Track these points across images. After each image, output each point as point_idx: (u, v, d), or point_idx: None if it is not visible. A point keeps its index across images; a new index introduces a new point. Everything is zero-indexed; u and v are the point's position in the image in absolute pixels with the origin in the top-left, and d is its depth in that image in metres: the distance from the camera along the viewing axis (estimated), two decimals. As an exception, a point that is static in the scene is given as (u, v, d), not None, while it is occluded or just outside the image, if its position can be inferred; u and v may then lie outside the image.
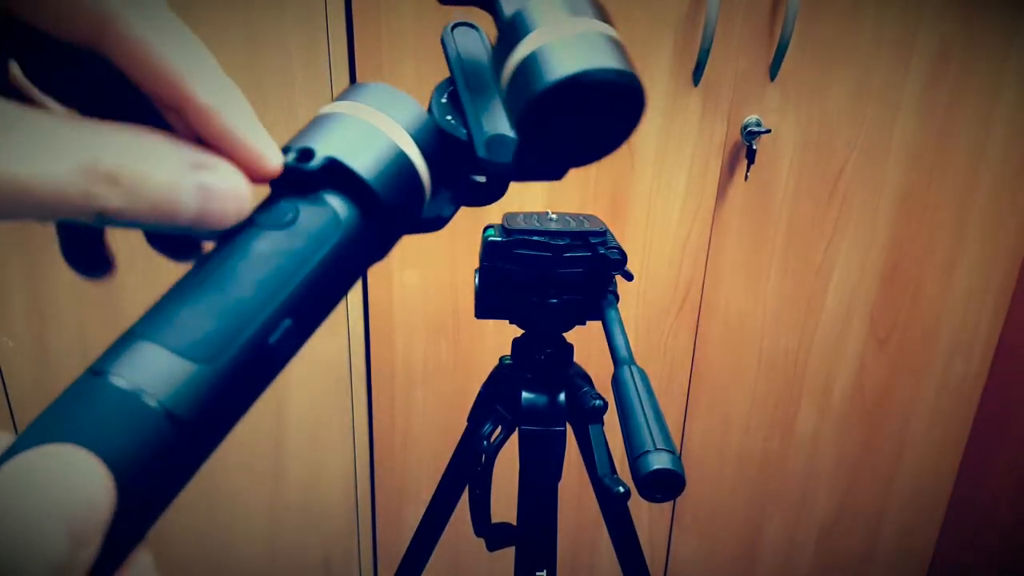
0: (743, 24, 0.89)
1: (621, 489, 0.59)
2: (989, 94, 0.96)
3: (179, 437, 0.16)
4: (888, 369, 1.09)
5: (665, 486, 0.51)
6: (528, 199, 0.94)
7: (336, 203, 0.21)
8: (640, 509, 1.14)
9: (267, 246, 0.20)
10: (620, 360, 0.59)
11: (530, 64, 0.22)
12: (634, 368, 0.59)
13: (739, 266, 1.01)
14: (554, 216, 0.59)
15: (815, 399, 1.10)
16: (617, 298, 0.68)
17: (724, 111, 0.93)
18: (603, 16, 0.22)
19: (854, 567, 1.23)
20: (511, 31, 0.23)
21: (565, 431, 0.59)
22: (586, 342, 0.67)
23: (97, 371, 0.16)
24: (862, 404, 1.11)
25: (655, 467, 0.51)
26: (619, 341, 0.62)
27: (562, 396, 0.59)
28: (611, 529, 0.65)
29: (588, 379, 0.61)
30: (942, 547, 1.22)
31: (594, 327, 0.64)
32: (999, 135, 0.98)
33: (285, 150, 0.22)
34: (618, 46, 0.22)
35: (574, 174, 0.92)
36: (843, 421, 1.12)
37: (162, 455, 0.16)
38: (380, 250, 0.23)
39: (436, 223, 0.25)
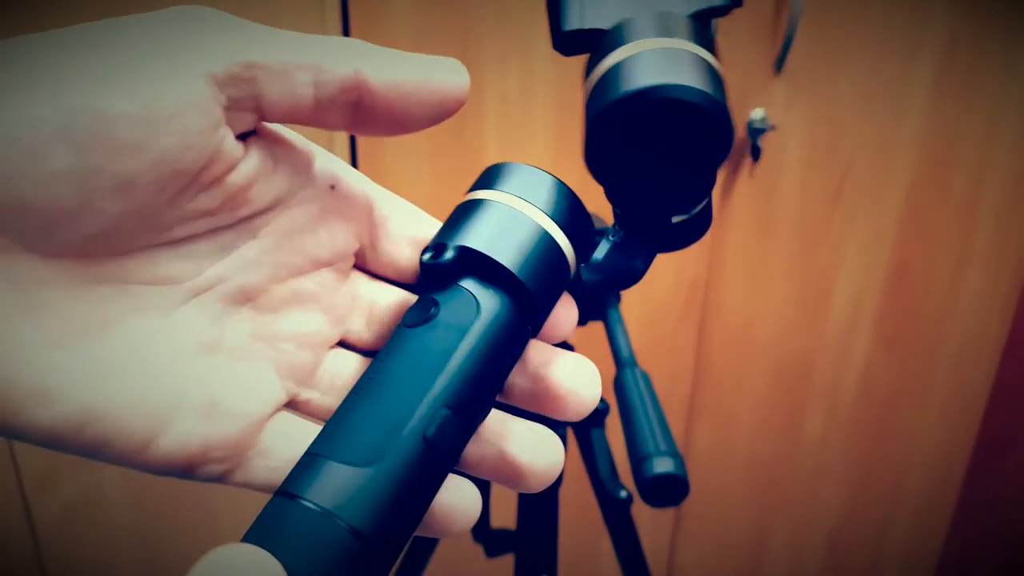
0: (747, 16, 0.88)
1: (623, 494, 0.58)
2: (998, 90, 0.95)
3: (362, 551, 0.18)
4: (896, 370, 1.08)
5: (669, 491, 0.50)
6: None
7: (476, 290, 0.22)
8: (643, 515, 1.13)
9: (412, 343, 0.21)
10: (622, 362, 0.58)
11: (607, 76, 0.21)
12: (636, 370, 0.58)
13: (743, 265, 1.00)
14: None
15: (822, 401, 1.09)
16: (619, 298, 0.67)
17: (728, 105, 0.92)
18: (704, 43, 0.22)
19: (862, 571, 1.22)
20: (600, 47, 0.22)
21: (566, 434, 0.58)
22: (586, 343, 0.65)
23: (287, 494, 0.18)
24: (870, 406, 1.10)
25: (658, 471, 0.49)
26: (621, 342, 0.61)
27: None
28: (613, 536, 0.64)
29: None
30: (949, 551, 1.21)
31: (595, 328, 0.63)
32: (1008, 132, 0.97)
33: (426, 249, 0.23)
34: (708, 70, 0.21)
35: (572, 170, 0.90)
36: (851, 423, 1.11)
37: (349, 570, 0.17)
38: (534, 327, 0.23)
39: (630, 277, 0.25)
